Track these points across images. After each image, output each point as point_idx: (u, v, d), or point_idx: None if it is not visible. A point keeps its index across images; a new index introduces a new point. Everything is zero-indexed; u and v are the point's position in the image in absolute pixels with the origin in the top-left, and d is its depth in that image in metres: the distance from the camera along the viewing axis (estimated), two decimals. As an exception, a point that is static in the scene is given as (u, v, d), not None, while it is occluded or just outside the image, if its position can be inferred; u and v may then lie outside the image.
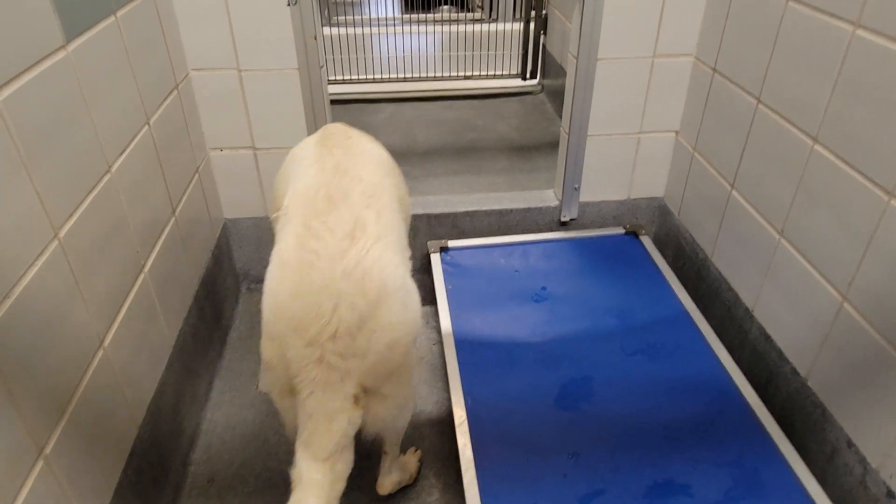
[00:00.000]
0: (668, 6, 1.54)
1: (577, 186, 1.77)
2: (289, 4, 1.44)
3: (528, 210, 1.80)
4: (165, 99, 1.35)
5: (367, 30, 2.86)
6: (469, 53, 2.87)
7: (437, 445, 1.40)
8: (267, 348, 0.91)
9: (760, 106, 1.35)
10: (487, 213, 1.78)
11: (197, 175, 1.54)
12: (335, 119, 1.72)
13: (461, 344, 1.46)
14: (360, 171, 0.98)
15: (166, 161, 1.33)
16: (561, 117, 1.80)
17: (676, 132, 1.73)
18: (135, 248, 1.16)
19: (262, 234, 1.77)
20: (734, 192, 1.47)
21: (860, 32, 1.06)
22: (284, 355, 0.88)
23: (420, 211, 1.76)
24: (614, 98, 1.65)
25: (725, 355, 1.42)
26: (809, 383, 1.23)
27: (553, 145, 2.19)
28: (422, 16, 3.08)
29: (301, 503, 0.86)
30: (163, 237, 1.30)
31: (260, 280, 1.80)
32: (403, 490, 1.29)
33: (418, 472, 1.33)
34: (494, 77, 2.88)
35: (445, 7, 3.42)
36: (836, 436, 1.15)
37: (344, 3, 3.10)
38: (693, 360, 1.41)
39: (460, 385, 1.35)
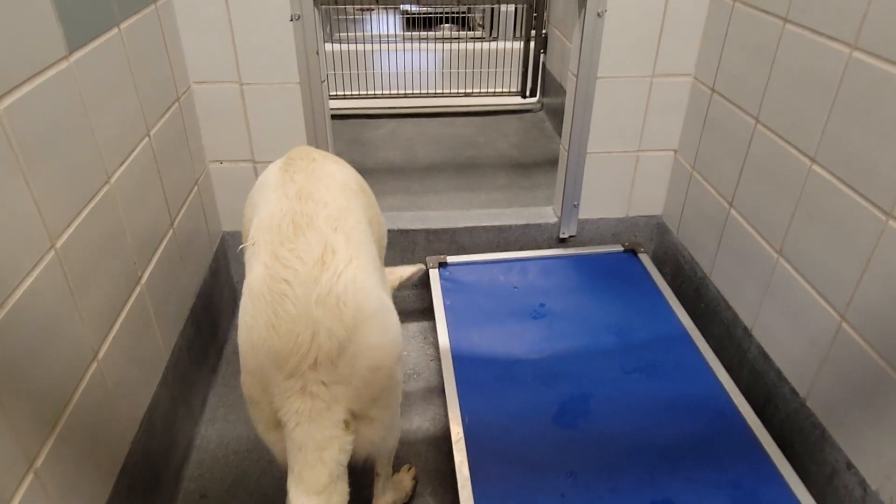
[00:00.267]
0: (668, 26, 1.56)
1: (576, 203, 1.77)
2: (292, 19, 1.45)
3: (527, 226, 1.80)
4: (167, 111, 1.36)
5: (368, 46, 2.89)
6: (470, 71, 2.89)
7: (434, 463, 1.38)
8: (247, 383, 0.89)
9: (759, 126, 1.36)
10: (486, 230, 1.78)
11: (196, 187, 1.54)
12: (335, 134, 1.72)
13: (459, 360, 1.45)
14: (323, 196, 0.96)
15: (165, 173, 1.33)
16: (560, 135, 1.82)
17: (675, 151, 1.74)
18: (132, 259, 1.16)
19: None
20: (732, 211, 1.47)
21: (857, 55, 1.07)
22: (266, 389, 0.86)
23: (419, 226, 1.76)
24: (613, 116, 1.66)
25: (724, 374, 1.41)
26: (808, 404, 1.22)
27: (552, 162, 2.20)
28: (423, 34, 3.12)
29: None
30: (160, 249, 1.29)
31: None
32: (398, 508, 1.27)
33: (414, 491, 1.31)
34: (494, 94, 2.90)
35: (446, 25, 3.46)
36: (836, 457, 1.14)
37: (346, 19, 3.13)
38: (691, 378, 1.40)
39: (457, 401, 1.34)
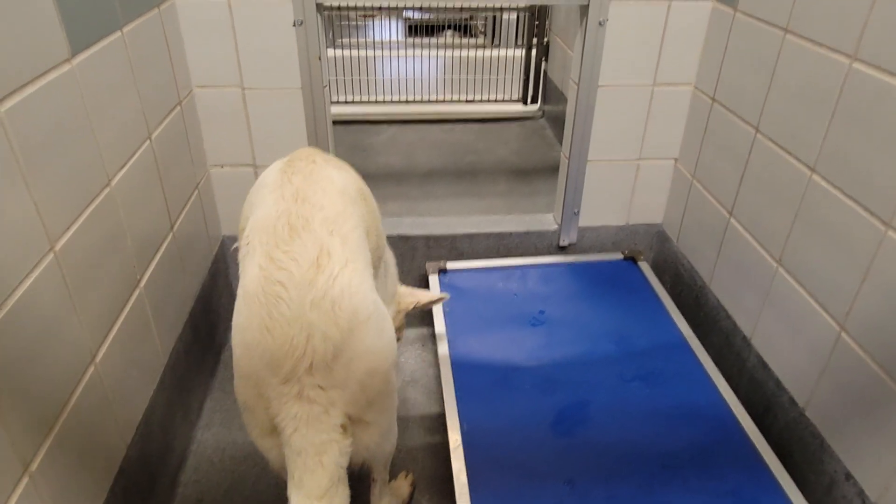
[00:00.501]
0: (669, 36, 1.56)
1: (576, 211, 1.77)
2: (294, 25, 1.46)
3: (527, 233, 1.80)
4: (168, 115, 1.36)
5: (370, 52, 2.90)
6: (471, 78, 2.90)
7: (431, 470, 1.38)
8: (241, 388, 0.88)
9: (759, 135, 1.36)
10: (486, 236, 1.78)
11: (196, 191, 1.54)
12: (336, 139, 1.73)
13: (458, 366, 1.44)
14: (320, 199, 0.95)
15: (166, 176, 1.33)
16: (561, 142, 1.82)
17: (675, 159, 1.75)
18: (131, 262, 1.16)
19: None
20: (732, 220, 1.48)
21: (857, 65, 1.07)
22: (261, 394, 0.85)
23: (419, 232, 1.76)
24: (614, 124, 1.66)
25: (723, 383, 1.41)
26: (807, 413, 1.22)
27: (553, 170, 2.20)
28: (425, 40, 3.13)
29: None
30: (160, 253, 1.29)
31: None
32: (395, 515, 1.27)
33: (411, 497, 1.31)
34: (496, 102, 2.91)
35: (448, 32, 3.47)
36: (835, 467, 1.14)
37: (349, 25, 3.15)
38: (691, 387, 1.40)
39: (456, 408, 1.33)
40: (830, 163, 1.15)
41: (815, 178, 1.18)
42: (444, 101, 2.88)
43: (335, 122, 1.75)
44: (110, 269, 1.07)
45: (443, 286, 1.70)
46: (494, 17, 3.23)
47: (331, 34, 3.09)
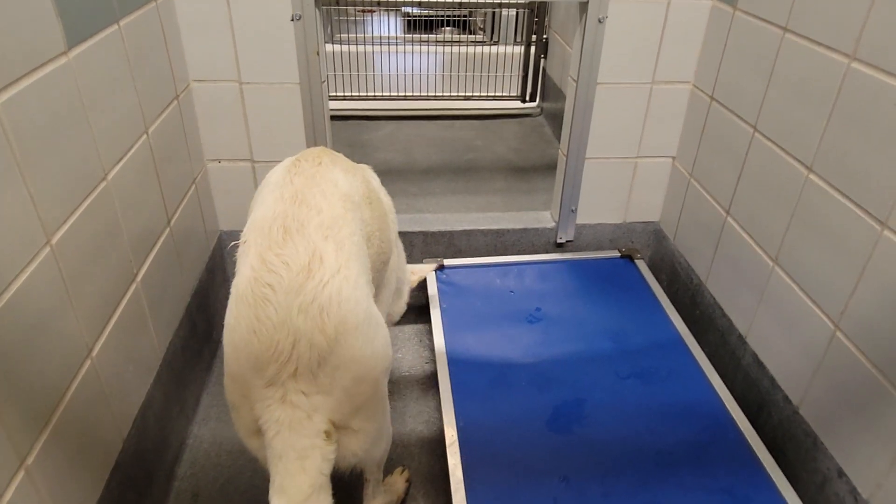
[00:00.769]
0: (668, 34, 1.56)
1: (573, 209, 1.77)
2: (292, 19, 1.45)
3: (524, 231, 1.80)
4: (165, 109, 1.35)
5: (369, 48, 2.89)
6: (470, 74, 2.90)
7: (427, 466, 1.38)
8: (229, 388, 0.88)
9: (756, 134, 1.36)
10: (484, 233, 1.79)
11: (194, 186, 1.53)
12: (334, 134, 1.72)
13: (454, 363, 1.45)
14: (319, 202, 0.94)
15: (163, 171, 1.33)
16: (559, 140, 1.82)
17: (673, 158, 1.75)
18: (128, 257, 1.16)
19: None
20: (729, 219, 1.48)
21: (855, 65, 1.07)
22: (247, 396, 0.85)
23: (417, 228, 1.76)
24: (612, 122, 1.66)
25: (718, 381, 1.41)
26: (801, 411, 1.23)
27: (551, 167, 2.20)
28: (424, 36, 3.12)
29: None
30: (156, 247, 1.29)
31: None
32: (391, 511, 1.27)
33: (406, 493, 1.31)
34: (494, 98, 2.91)
35: (447, 28, 3.46)
36: (828, 465, 1.14)
37: (347, 20, 3.14)
38: (686, 385, 1.41)
39: (452, 405, 1.34)
40: (828, 162, 1.15)
41: (812, 177, 1.19)
42: (442, 98, 2.87)
43: (333, 118, 1.75)
44: (107, 264, 1.07)
45: (440, 283, 1.70)
46: (494, 14, 3.22)
47: (329, 29, 3.08)
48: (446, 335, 1.53)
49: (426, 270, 1.67)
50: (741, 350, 1.43)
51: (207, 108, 1.55)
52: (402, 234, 1.77)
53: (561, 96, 2.51)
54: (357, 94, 2.84)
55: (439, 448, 1.39)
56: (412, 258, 1.80)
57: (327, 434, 0.85)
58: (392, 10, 3.41)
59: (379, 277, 1.17)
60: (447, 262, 1.77)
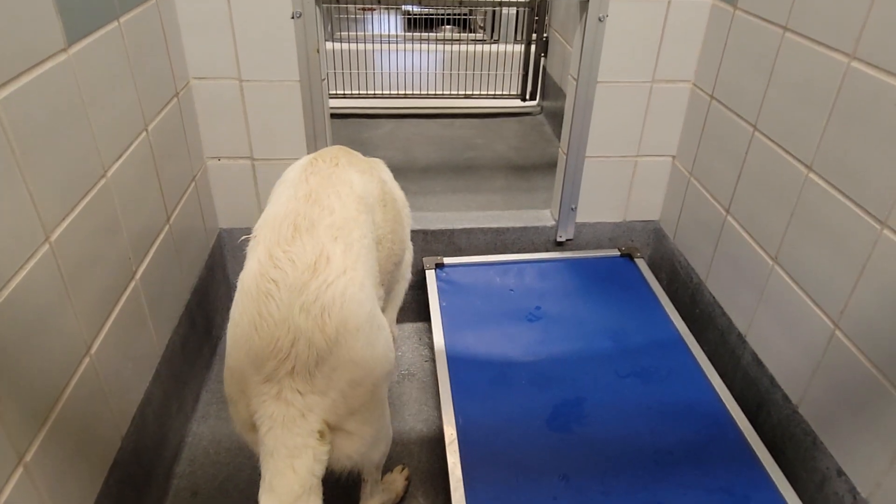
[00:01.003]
0: (668, 32, 1.56)
1: (573, 207, 1.77)
2: (293, 17, 1.45)
3: (524, 229, 1.80)
4: (165, 106, 1.35)
5: (369, 46, 2.89)
6: (470, 73, 2.89)
7: (427, 464, 1.38)
8: (227, 380, 0.88)
9: (756, 133, 1.36)
10: (484, 231, 1.78)
11: (193, 184, 1.53)
12: (334, 133, 1.72)
13: (454, 362, 1.45)
14: (332, 203, 0.94)
15: (163, 168, 1.33)
16: (559, 138, 1.82)
17: (673, 157, 1.75)
18: (127, 254, 1.16)
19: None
20: (729, 218, 1.48)
21: (855, 65, 1.07)
22: (243, 390, 0.85)
23: (417, 227, 1.76)
24: (612, 121, 1.66)
25: (718, 380, 1.41)
26: (801, 410, 1.23)
27: (551, 166, 2.20)
28: (424, 34, 3.12)
29: None
30: (156, 245, 1.29)
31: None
32: (390, 509, 1.27)
33: (405, 491, 1.31)
34: (494, 97, 2.91)
35: (448, 27, 3.46)
36: (827, 464, 1.14)
37: (347, 18, 3.13)
38: (685, 384, 1.40)
39: (451, 403, 1.34)
40: (827, 161, 1.15)
41: (812, 176, 1.19)
42: (442, 96, 2.87)
43: (333, 116, 1.74)
44: (106, 261, 1.07)
45: (440, 281, 1.70)
46: (494, 12, 3.22)
47: (329, 27, 3.08)
48: (446, 333, 1.53)
49: None
50: (741, 349, 1.43)
51: (207, 105, 1.55)
52: (401, 233, 1.78)
53: (561, 95, 2.51)
54: (357, 92, 2.84)
55: (438, 446, 1.39)
56: (413, 257, 1.80)
57: (321, 434, 0.85)
58: (392, 8, 3.41)
59: (391, 278, 1.17)
60: (447, 260, 1.76)
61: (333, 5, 3.00)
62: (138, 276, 1.20)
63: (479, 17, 3.42)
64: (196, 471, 1.36)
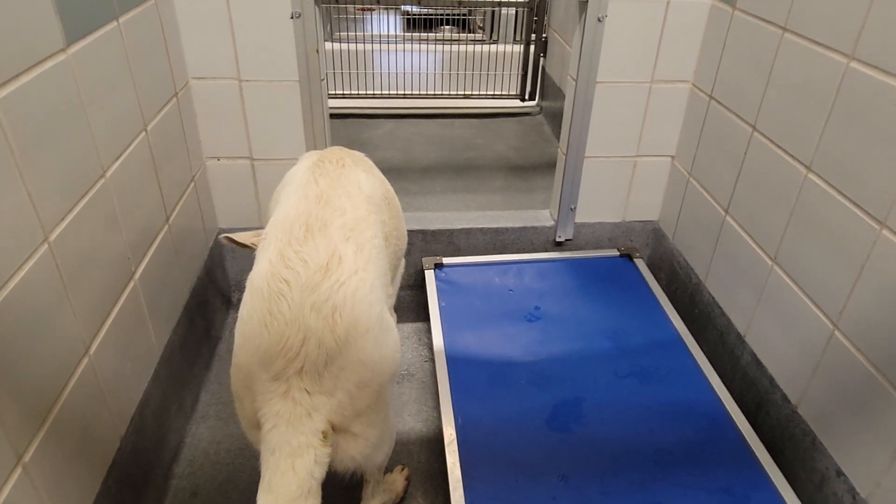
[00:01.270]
0: (667, 33, 1.56)
1: (572, 207, 1.77)
2: (292, 17, 1.45)
3: (523, 229, 1.80)
4: (164, 106, 1.35)
5: (368, 46, 2.89)
6: (469, 73, 2.89)
7: (426, 464, 1.38)
8: (234, 377, 0.88)
9: (755, 134, 1.36)
10: (483, 231, 1.78)
11: (193, 184, 1.53)
12: (333, 133, 1.72)
13: (453, 362, 1.45)
14: (343, 203, 0.95)
15: (162, 168, 1.32)
16: (558, 138, 1.82)
17: (672, 157, 1.75)
18: (126, 254, 1.15)
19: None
20: (728, 218, 1.48)
21: (854, 65, 1.07)
22: (250, 387, 0.85)
23: (416, 227, 1.76)
24: (612, 121, 1.66)
25: (717, 380, 1.41)
26: (800, 410, 1.23)
27: (550, 166, 2.20)
28: (423, 35, 3.12)
29: None
30: (155, 245, 1.29)
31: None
32: (389, 509, 1.27)
33: (405, 491, 1.31)
34: (494, 97, 2.91)
35: (447, 27, 3.46)
36: (826, 464, 1.15)
37: (346, 18, 3.13)
38: (685, 384, 1.41)
39: (451, 403, 1.34)
40: (826, 162, 1.15)
41: (811, 176, 1.19)
42: (442, 96, 2.87)
43: (332, 116, 1.74)
44: (105, 261, 1.07)
45: (439, 281, 1.70)
46: (493, 13, 3.22)
47: (328, 27, 3.08)
48: (445, 333, 1.53)
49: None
50: (740, 349, 1.43)
51: (206, 105, 1.55)
52: (401, 233, 1.78)
53: (560, 95, 2.51)
54: (356, 92, 2.83)
55: (438, 446, 1.39)
56: (411, 257, 1.80)
57: (324, 434, 0.84)
58: (391, 8, 3.41)
59: (393, 271, 1.18)
60: (446, 260, 1.76)
61: (333, 5, 3.00)
62: (137, 276, 1.20)
63: (479, 18, 3.42)
64: (195, 471, 1.36)
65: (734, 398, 1.37)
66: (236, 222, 1.73)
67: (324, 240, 0.88)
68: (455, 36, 3.26)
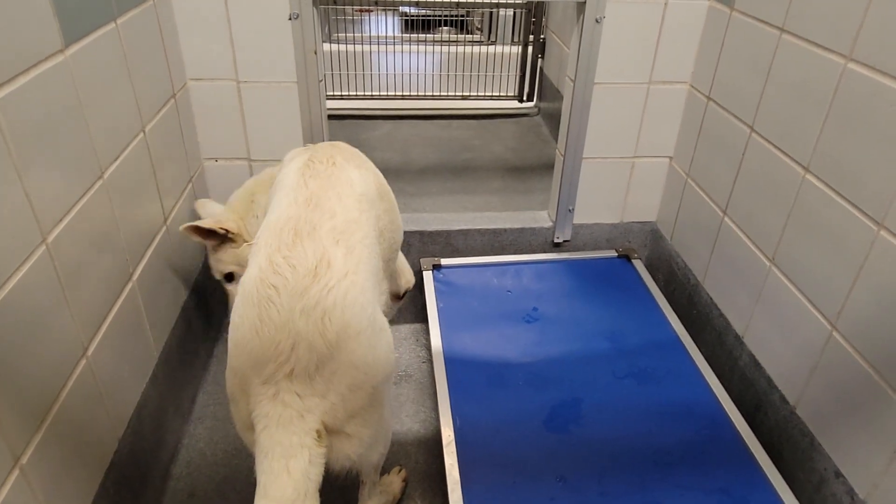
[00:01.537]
0: (665, 34, 1.57)
1: (570, 208, 1.77)
2: (290, 18, 1.45)
3: (521, 230, 1.80)
4: (162, 107, 1.35)
5: (366, 47, 2.89)
6: (467, 74, 2.90)
7: (424, 465, 1.38)
8: (229, 380, 0.88)
9: (753, 134, 1.36)
10: (481, 233, 1.78)
11: (191, 185, 1.53)
12: (332, 134, 1.72)
13: (451, 363, 1.45)
14: (333, 205, 0.94)
15: (160, 169, 1.32)
16: (556, 140, 1.82)
17: (670, 158, 1.75)
18: (124, 256, 1.15)
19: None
20: (726, 219, 1.48)
21: (851, 66, 1.07)
22: (244, 390, 0.86)
23: (414, 228, 1.76)
24: (610, 122, 1.67)
25: (715, 381, 1.41)
26: (798, 411, 1.23)
27: (548, 167, 2.20)
28: (421, 36, 3.12)
29: None
30: (153, 246, 1.29)
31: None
32: (387, 511, 1.27)
33: (403, 493, 1.31)
34: (492, 98, 2.91)
35: (445, 28, 3.46)
36: (824, 465, 1.15)
37: (345, 20, 3.13)
38: (683, 385, 1.41)
39: (449, 404, 1.33)
40: (824, 163, 1.15)
41: (809, 177, 1.19)
42: (440, 98, 2.87)
43: (330, 117, 1.74)
44: (103, 262, 1.07)
45: (437, 282, 1.70)
46: (491, 14, 3.22)
47: (326, 28, 3.08)
48: (443, 335, 1.53)
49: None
50: (738, 350, 1.43)
51: (204, 106, 1.55)
52: (399, 234, 1.77)
53: (558, 96, 2.51)
54: (354, 93, 2.83)
55: (436, 447, 1.39)
56: (409, 258, 1.80)
57: (318, 434, 0.84)
58: (389, 9, 3.41)
59: (390, 265, 1.17)
60: (444, 261, 1.76)
61: (331, 6, 3.00)
62: (135, 277, 1.20)
63: (477, 19, 3.42)
64: (193, 473, 1.35)
65: (732, 399, 1.37)
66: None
67: (312, 244, 0.87)
68: (453, 37, 3.27)
